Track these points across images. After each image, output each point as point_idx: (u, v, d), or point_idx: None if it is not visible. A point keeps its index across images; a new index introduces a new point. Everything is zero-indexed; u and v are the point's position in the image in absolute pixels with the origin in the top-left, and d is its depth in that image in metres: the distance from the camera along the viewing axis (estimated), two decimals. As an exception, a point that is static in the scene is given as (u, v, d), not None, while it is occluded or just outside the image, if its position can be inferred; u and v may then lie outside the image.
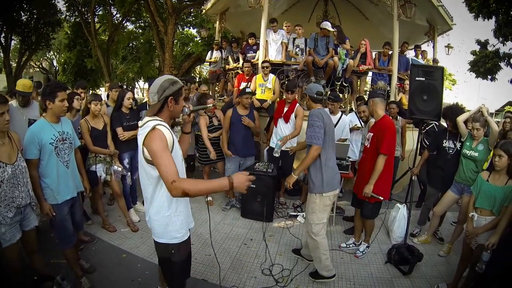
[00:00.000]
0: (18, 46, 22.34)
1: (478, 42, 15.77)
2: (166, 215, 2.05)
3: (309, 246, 3.30)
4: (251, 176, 1.87)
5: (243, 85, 6.05)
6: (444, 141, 4.13)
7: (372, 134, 3.54)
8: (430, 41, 8.78)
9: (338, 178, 3.23)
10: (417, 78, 3.83)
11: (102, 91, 19.34)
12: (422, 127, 4.76)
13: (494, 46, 15.01)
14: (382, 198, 3.46)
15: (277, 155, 4.07)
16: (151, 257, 3.56)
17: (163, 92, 1.96)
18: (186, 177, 2.08)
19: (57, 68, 30.09)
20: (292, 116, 4.81)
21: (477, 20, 13.60)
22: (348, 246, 4.06)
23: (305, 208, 3.45)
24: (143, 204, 4.68)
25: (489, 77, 15.62)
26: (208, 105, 2.64)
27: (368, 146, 3.60)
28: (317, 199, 3.11)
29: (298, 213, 4.85)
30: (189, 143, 2.54)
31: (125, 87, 27.08)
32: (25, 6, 17.80)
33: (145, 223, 4.22)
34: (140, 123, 2.03)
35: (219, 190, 1.89)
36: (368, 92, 3.63)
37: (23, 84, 3.90)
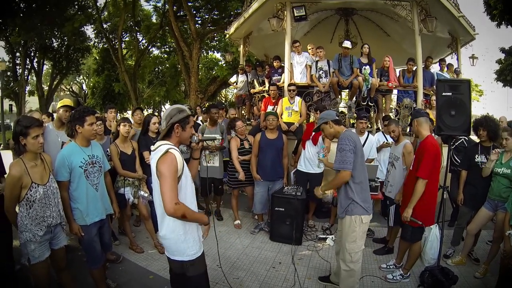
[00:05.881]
0: (50, 70, 23.77)
1: (503, 50, 15.40)
2: (180, 233, 2.17)
3: (342, 275, 3.12)
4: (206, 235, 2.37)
5: (269, 108, 6.09)
6: (476, 156, 4.00)
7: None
8: (453, 53, 8.64)
9: (371, 201, 3.10)
10: (443, 94, 3.73)
11: (129, 114, 19.95)
12: (451, 143, 4.61)
13: (520, 52, 14.67)
14: (420, 223, 3.33)
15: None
16: (179, 280, 3.55)
17: (170, 119, 2.18)
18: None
19: (86, 92, 31.54)
20: (320, 138, 4.82)
21: (499, 27, 13.35)
22: (388, 267, 3.92)
23: (338, 237, 3.38)
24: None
25: (517, 85, 15.20)
26: (217, 138, 2.76)
27: (411, 169, 3.49)
28: (357, 227, 2.98)
29: (327, 236, 4.75)
30: (197, 168, 2.72)
31: (150, 111, 27.91)
32: (56, 33, 18.96)
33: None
34: (152, 147, 2.21)
35: (198, 222, 2.24)
36: (408, 112, 3.55)
37: (67, 102, 4.03)
